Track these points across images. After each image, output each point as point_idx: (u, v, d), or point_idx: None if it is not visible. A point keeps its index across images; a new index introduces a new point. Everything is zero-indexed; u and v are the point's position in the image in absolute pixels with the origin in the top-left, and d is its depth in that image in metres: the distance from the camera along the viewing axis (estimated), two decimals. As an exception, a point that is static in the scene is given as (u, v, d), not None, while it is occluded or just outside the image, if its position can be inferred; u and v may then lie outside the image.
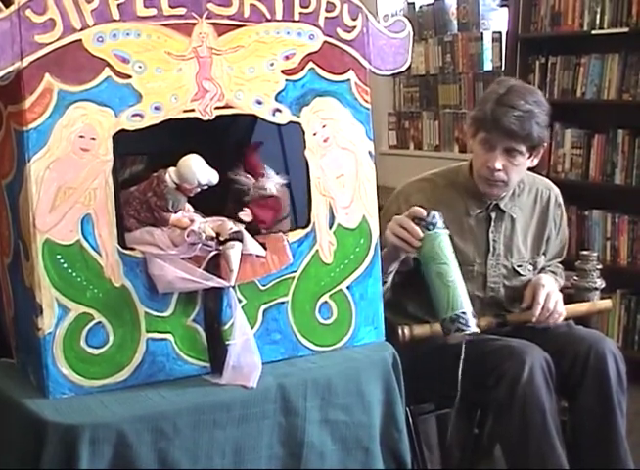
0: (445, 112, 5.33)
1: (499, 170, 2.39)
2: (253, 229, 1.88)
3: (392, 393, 1.96)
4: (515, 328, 2.44)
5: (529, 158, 2.44)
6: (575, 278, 2.64)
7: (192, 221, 1.83)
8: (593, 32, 4.03)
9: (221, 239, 1.81)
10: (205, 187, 1.82)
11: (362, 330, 2.02)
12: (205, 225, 1.81)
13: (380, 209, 2.09)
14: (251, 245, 1.84)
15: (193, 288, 1.81)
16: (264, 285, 1.90)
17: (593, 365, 2.34)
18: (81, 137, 1.71)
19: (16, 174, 1.74)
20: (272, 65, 1.87)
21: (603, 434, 2.33)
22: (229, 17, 1.82)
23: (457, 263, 2.08)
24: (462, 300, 2.05)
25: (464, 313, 2.04)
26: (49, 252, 1.71)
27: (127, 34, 1.74)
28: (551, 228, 2.60)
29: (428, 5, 5.48)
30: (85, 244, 1.74)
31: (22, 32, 1.65)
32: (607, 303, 2.63)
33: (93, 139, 1.72)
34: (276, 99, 1.88)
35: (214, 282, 1.80)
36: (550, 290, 2.42)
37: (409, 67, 2.06)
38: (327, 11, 1.92)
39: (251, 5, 1.84)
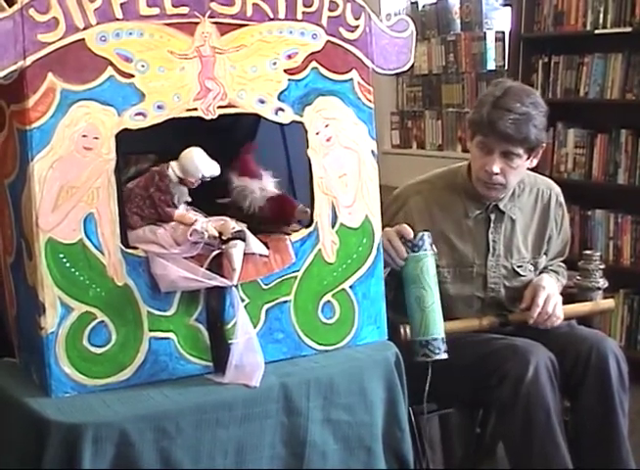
0: (448, 111, 5.33)
1: (497, 174, 2.39)
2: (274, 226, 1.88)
3: (395, 392, 1.96)
4: (518, 328, 2.43)
5: (528, 159, 2.43)
6: (578, 278, 2.64)
7: (195, 220, 1.82)
8: (596, 32, 4.03)
9: (224, 238, 1.81)
10: (208, 179, 1.81)
11: (365, 329, 2.02)
12: (208, 224, 1.81)
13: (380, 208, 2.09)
14: (254, 244, 1.85)
15: (195, 287, 1.81)
16: (267, 284, 1.90)
17: (594, 365, 2.34)
18: (84, 136, 1.72)
19: (19, 173, 1.74)
20: (275, 64, 1.87)
21: (604, 433, 2.32)
22: (232, 16, 1.82)
23: (437, 288, 2.13)
24: (435, 326, 2.10)
25: (434, 340, 2.10)
26: (51, 251, 1.71)
27: (130, 34, 1.74)
28: (552, 228, 2.60)
29: (431, 4, 5.48)
30: (88, 243, 1.74)
31: (25, 31, 1.65)
32: (609, 302, 2.63)
33: (96, 138, 1.73)
34: (279, 98, 1.88)
35: (217, 281, 1.80)
36: (550, 292, 2.41)
37: (412, 66, 2.06)
38: (330, 10, 1.92)
39: (253, 4, 1.84)
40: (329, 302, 1.97)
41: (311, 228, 1.94)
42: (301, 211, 1.90)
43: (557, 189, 2.64)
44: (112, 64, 1.73)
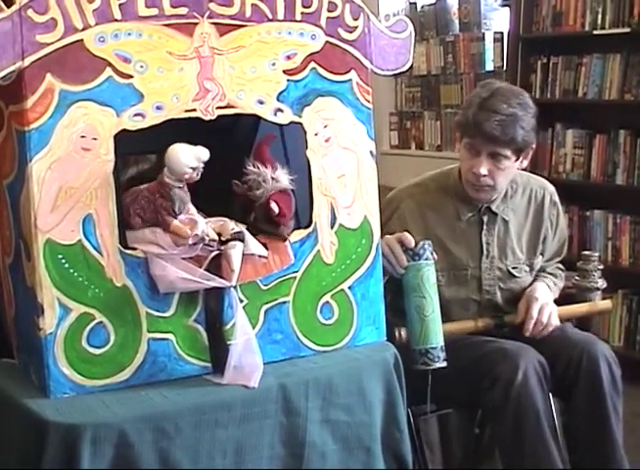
0: (447, 112, 5.33)
1: (485, 175, 2.37)
2: (271, 226, 1.88)
3: (394, 393, 1.96)
4: (512, 330, 2.43)
5: (517, 160, 2.41)
6: (577, 278, 2.64)
7: (195, 222, 1.81)
8: (595, 32, 4.03)
9: (223, 239, 1.81)
10: (202, 165, 1.78)
11: (364, 330, 2.02)
12: (209, 229, 1.81)
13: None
14: (253, 245, 1.85)
15: (194, 288, 1.81)
16: (266, 285, 1.90)
17: (586, 369, 2.33)
18: (83, 137, 1.72)
19: (17, 174, 1.74)
20: (274, 65, 1.87)
21: (597, 436, 2.32)
22: (231, 17, 1.82)
23: (437, 296, 2.14)
24: (434, 334, 2.12)
25: (433, 349, 2.12)
26: (50, 252, 1.71)
27: (129, 34, 1.74)
28: (547, 228, 2.58)
29: (429, 5, 5.49)
30: (86, 244, 1.74)
31: (23, 32, 1.65)
32: (607, 303, 2.63)
33: (94, 139, 1.73)
34: (278, 99, 1.88)
35: (216, 282, 1.80)
36: (544, 302, 2.41)
37: (411, 67, 2.06)
38: (329, 11, 1.92)
39: (252, 5, 1.84)
40: (328, 302, 1.97)
41: (310, 229, 1.94)
42: (285, 228, 1.90)
43: (551, 188, 2.62)
44: (110, 64, 1.73)
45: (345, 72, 1.95)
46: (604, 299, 2.67)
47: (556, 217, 2.61)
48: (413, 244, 2.13)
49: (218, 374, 1.83)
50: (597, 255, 2.68)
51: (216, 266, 1.80)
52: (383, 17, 1.99)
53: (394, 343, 2.12)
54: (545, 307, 2.40)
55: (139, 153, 2.00)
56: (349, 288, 1.99)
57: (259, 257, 1.86)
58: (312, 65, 1.91)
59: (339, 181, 1.96)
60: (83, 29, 1.70)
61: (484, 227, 2.50)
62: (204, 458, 1.75)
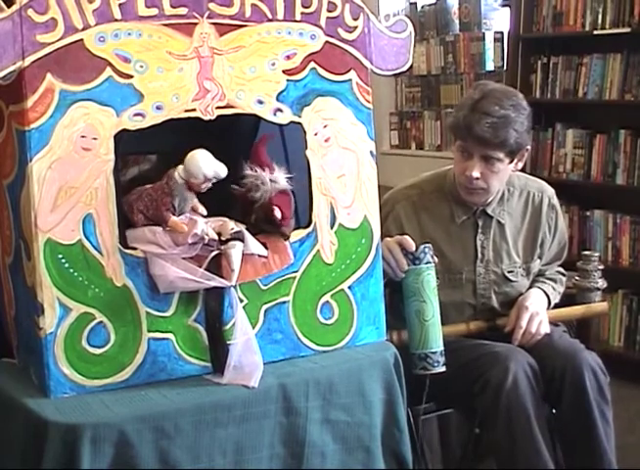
0: (447, 112, 5.32)
1: (477, 178, 2.35)
2: (272, 227, 1.88)
3: (394, 393, 1.96)
4: (506, 333, 2.42)
5: (511, 163, 2.39)
6: (577, 278, 2.63)
7: (195, 222, 1.82)
8: (595, 32, 4.03)
9: (222, 239, 1.81)
10: (214, 180, 1.80)
11: (364, 330, 2.02)
12: (208, 228, 1.81)
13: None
14: (253, 245, 1.85)
15: (194, 288, 1.81)
16: (266, 285, 1.90)
17: (570, 379, 2.31)
18: (83, 137, 1.72)
19: (17, 174, 1.74)
20: (273, 65, 1.87)
21: (584, 445, 2.31)
22: (230, 17, 1.83)
23: (437, 301, 2.12)
24: (434, 339, 2.10)
25: (433, 353, 2.10)
26: (50, 251, 1.71)
27: (129, 34, 1.74)
28: (545, 231, 2.55)
29: (429, 5, 5.49)
30: (87, 243, 1.74)
31: (23, 32, 1.65)
32: (603, 305, 2.62)
33: (94, 139, 1.73)
34: (277, 99, 1.88)
35: (216, 282, 1.80)
36: (534, 311, 2.40)
37: (411, 67, 2.06)
38: (328, 11, 1.92)
39: (252, 5, 1.84)
40: (327, 302, 1.97)
41: (310, 229, 1.94)
42: (286, 228, 1.90)
43: (549, 191, 2.59)
44: (110, 64, 1.73)
45: (345, 72, 1.95)
46: (603, 299, 2.67)
47: (554, 221, 2.58)
48: (414, 248, 2.12)
49: (218, 374, 1.83)
50: (597, 255, 2.68)
51: (216, 266, 1.81)
52: (383, 17, 1.98)
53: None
54: (535, 317, 2.39)
55: (139, 153, 2.00)
56: (349, 288, 1.99)
57: (259, 256, 1.86)
58: (312, 65, 1.91)
59: (338, 181, 1.96)
60: (83, 29, 1.70)
61: (479, 230, 2.48)
62: (203, 458, 1.75)
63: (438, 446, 2.59)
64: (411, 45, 2.02)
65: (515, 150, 2.37)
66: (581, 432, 2.30)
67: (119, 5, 1.73)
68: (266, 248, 1.88)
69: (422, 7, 5.54)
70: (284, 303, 1.93)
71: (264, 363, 1.85)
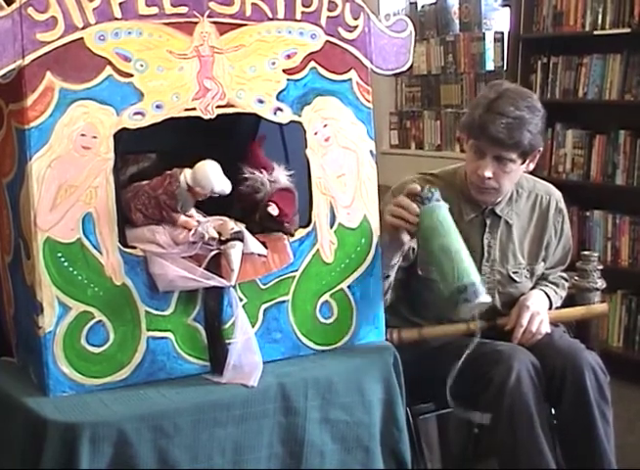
0: (447, 111, 5.33)
1: (489, 178, 2.35)
2: (275, 224, 1.88)
3: (393, 392, 1.96)
4: (507, 332, 2.42)
5: (523, 163, 2.39)
6: (576, 278, 2.63)
7: (197, 222, 1.82)
8: (595, 33, 4.03)
9: (222, 239, 1.81)
10: (216, 195, 1.81)
11: (363, 330, 2.02)
12: (209, 227, 1.81)
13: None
14: (253, 244, 1.84)
15: (193, 287, 1.81)
16: (265, 284, 1.90)
17: (570, 378, 2.31)
18: (82, 135, 1.72)
19: (17, 173, 1.74)
20: (274, 64, 1.87)
21: (584, 445, 2.30)
22: (231, 16, 1.83)
23: (459, 234, 1.99)
24: (468, 270, 1.94)
25: (472, 284, 1.92)
26: (50, 250, 1.71)
27: (129, 33, 1.74)
28: (551, 235, 2.55)
29: (430, 5, 5.49)
30: (86, 242, 1.74)
31: (23, 30, 1.65)
32: (603, 307, 2.62)
33: (94, 137, 1.73)
34: (277, 98, 1.88)
35: (215, 281, 1.80)
36: (534, 311, 2.39)
37: (411, 66, 2.06)
38: (329, 10, 1.92)
39: (252, 4, 1.84)
40: (327, 302, 1.97)
41: (309, 228, 1.94)
42: (290, 226, 1.90)
43: (557, 195, 2.59)
44: (110, 63, 1.73)
45: (345, 72, 1.95)
46: (603, 300, 2.67)
47: (561, 224, 2.58)
48: (419, 189, 2.03)
49: (217, 373, 1.83)
50: (596, 255, 2.68)
51: (216, 265, 1.81)
52: (383, 16, 1.98)
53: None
54: (536, 316, 2.39)
55: (139, 152, 2.00)
56: (349, 287, 1.99)
57: (259, 255, 1.86)
58: (312, 64, 1.91)
59: (338, 181, 1.96)
60: (83, 28, 1.70)
61: (487, 229, 2.48)
62: (202, 457, 1.75)
63: (437, 445, 2.59)
64: (411, 45, 2.02)
65: (528, 151, 2.36)
66: (581, 431, 2.30)
67: (120, 4, 1.73)
68: (266, 247, 1.88)
69: (422, 7, 5.54)
70: (283, 302, 1.93)
71: (263, 363, 1.85)
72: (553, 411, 2.40)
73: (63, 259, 1.72)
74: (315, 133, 1.93)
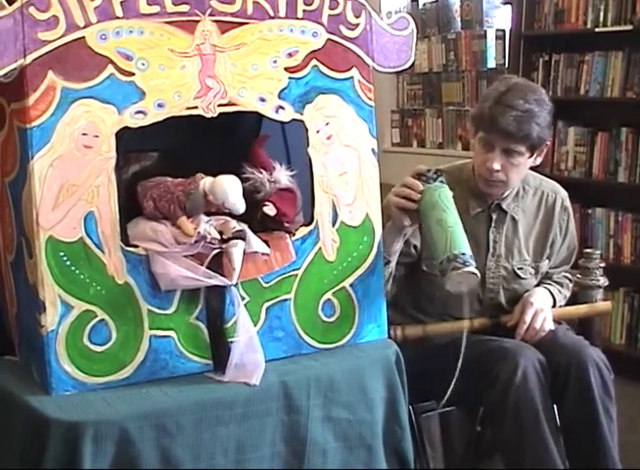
0: (448, 109, 5.33)
1: (498, 171, 2.36)
2: (275, 224, 1.88)
3: (395, 390, 1.96)
4: (511, 329, 2.42)
5: (531, 157, 2.40)
6: (578, 276, 2.63)
7: (198, 221, 1.82)
8: (597, 30, 4.03)
9: (224, 237, 1.81)
10: (227, 210, 1.81)
11: (365, 328, 2.02)
12: (211, 227, 1.81)
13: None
14: (256, 243, 1.84)
15: (195, 286, 1.81)
16: (267, 282, 1.90)
17: (575, 375, 2.31)
18: (84, 134, 1.72)
19: (19, 172, 1.74)
20: (275, 62, 1.87)
21: (588, 442, 2.30)
22: (232, 14, 1.82)
23: (458, 213, 2.01)
24: (461, 241, 1.96)
25: (463, 254, 1.94)
26: (52, 249, 1.71)
27: (130, 32, 1.74)
28: (556, 233, 2.56)
29: (431, 2, 5.48)
30: (88, 241, 1.74)
31: (25, 30, 1.65)
32: (606, 305, 2.62)
33: (96, 136, 1.73)
34: (279, 96, 1.88)
35: (217, 280, 1.80)
36: (538, 307, 2.40)
37: (412, 64, 2.06)
38: (330, 8, 1.92)
39: (254, 2, 1.84)
40: (329, 300, 1.97)
41: (312, 226, 1.94)
42: (291, 225, 1.90)
43: (563, 193, 2.59)
44: (112, 62, 1.73)
45: (347, 70, 1.94)
46: (606, 298, 2.67)
47: (566, 223, 2.58)
48: (424, 168, 2.06)
49: (220, 372, 1.83)
50: (598, 252, 2.67)
51: (218, 264, 1.81)
52: (384, 14, 1.98)
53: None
54: (539, 313, 2.39)
55: (141, 150, 2.00)
56: (351, 286, 1.99)
57: (262, 254, 1.86)
58: (314, 62, 1.91)
59: (340, 179, 1.96)
60: (85, 27, 1.70)
61: (492, 224, 2.49)
62: (205, 456, 1.75)
63: (440, 444, 2.58)
64: (413, 43, 2.02)
65: (536, 144, 2.38)
66: (585, 428, 2.30)
67: (121, 2, 1.73)
68: (268, 245, 1.88)
69: (423, 4, 5.54)
70: (285, 300, 1.93)
71: (266, 361, 1.85)
72: (556, 408, 2.40)
73: (65, 258, 1.72)
74: (317, 131, 1.93)
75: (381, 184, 2.02)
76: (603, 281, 2.62)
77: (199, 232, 1.79)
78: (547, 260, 2.56)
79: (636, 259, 4.01)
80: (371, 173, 2.00)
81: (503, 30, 4.94)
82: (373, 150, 2.00)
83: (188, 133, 1.90)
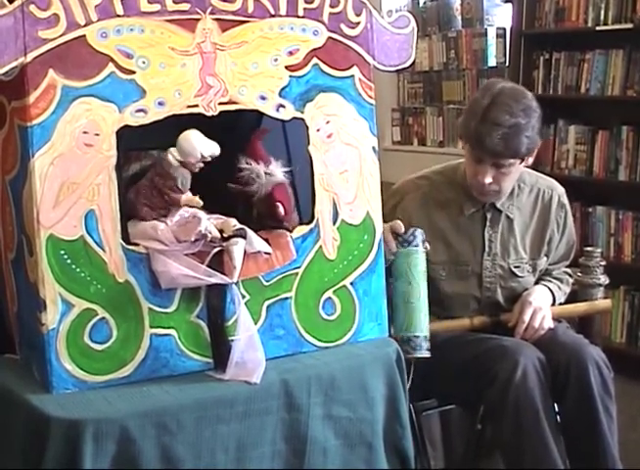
0: (449, 108, 5.33)
1: (490, 183, 2.35)
2: (271, 222, 1.88)
3: (396, 389, 1.96)
4: (511, 328, 2.42)
5: (522, 163, 2.39)
6: (579, 274, 2.63)
7: (198, 219, 1.81)
8: (597, 28, 4.03)
9: (225, 236, 1.81)
10: (209, 159, 1.80)
11: (366, 326, 2.02)
12: (211, 226, 1.81)
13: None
14: (257, 242, 1.84)
15: (196, 284, 1.81)
16: (268, 281, 1.90)
17: (574, 375, 2.31)
18: (85, 133, 1.72)
19: (19, 170, 1.74)
20: (276, 60, 1.87)
21: (588, 440, 2.30)
22: (233, 12, 1.82)
23: (425, 285, 2.09)
24: (418, 323, 2.06)
25: (416, 337, 2.06)
26: (53, 247, 1.71)
27: (131, 30, 1.74)
28: (553, 230, 2.55)
29: (432, 1, 5.49)
30: (89, 239, 1.74)
31: (25, 28, 1.65)
32: (606, 303, 2.62)
33: (97, 135, 1.73)
34: (280, 95, 1.88)
35: (217, 279, 1.80)
36: (537, 306, 2.40)
37: (413, 62, 2.06)
38: (331, 6, 1.92)
39: (255, 1, 1.84)
40: (330, 298, 1.97)
41: (312, 225, 1.94)
42: (289, 223, 1.90)
43: (560, 190, 2.58)
44: (112, 60, 1.73)
45: (348, 68, 1.94)
46: (606, 296, 2.67)
47: (563, 219, 2.58)
48: (402, 230, 2.09)
49: (220, 370, 1.83)
50: (599, 251, 2.67)
51: (218, 263, 1.80)
52: (385, 12, 1.99)
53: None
54: (538, 312, 2.39)
55: (141, 149, 2.00)
56: (351, 284, 1.99)
57: (265, 253, 1.86)
58: (314, 60, 1.91)
59: (341, 177, 1.96)
60: (85, 25, 1.70)
61: (487, 224, 2.48)
62: (205, 454, 1.76)
63: (440, 442, 2.59)
64: (413, 41, 2.02)
65: (527, 154, 2.37)
66: (585, 427, 2.30)
67: (122, 1, 1.73)
68: (269, 244, 1.87)
69: (424, 3, 5.54)
70: (286, 299, 1.93)
71: (266, 359, 1.85)
72: (556, 407, 2.40)
73: (65, 257, 1.72)
74: (318, 130, 1.93)
75: (381, 182, 2.02)
76: (603, 279, 2.62)
77: (199, 231, 1.79)
78: (545, 258, 2.56)
79: (637, 258, 4.01)
80: (372, 172, 2.00)
81: (504, 29, 4.94)
82: (374, 148, 2.00)
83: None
